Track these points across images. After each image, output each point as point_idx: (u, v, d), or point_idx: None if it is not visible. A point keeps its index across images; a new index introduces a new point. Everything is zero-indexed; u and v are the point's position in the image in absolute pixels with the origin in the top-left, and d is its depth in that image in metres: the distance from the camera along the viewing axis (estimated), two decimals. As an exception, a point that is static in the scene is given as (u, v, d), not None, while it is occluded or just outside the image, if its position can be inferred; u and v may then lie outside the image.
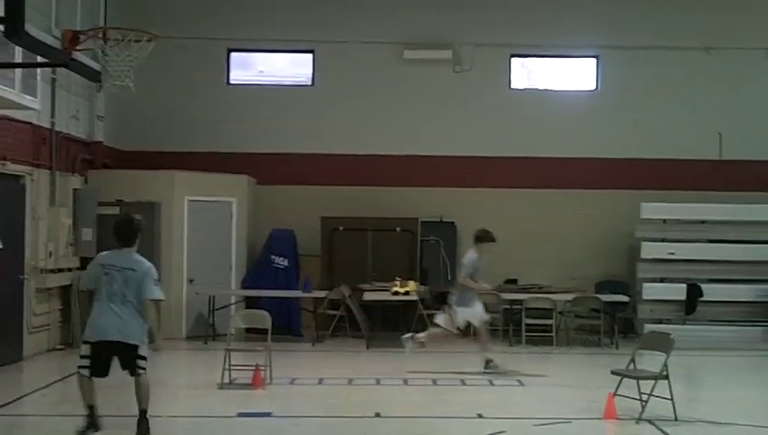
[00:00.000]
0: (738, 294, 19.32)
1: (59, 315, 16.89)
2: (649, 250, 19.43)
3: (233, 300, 18.87)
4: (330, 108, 21.08)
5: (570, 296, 18.49)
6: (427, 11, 21.08)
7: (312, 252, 19.81)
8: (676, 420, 11.03)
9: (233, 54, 21.50)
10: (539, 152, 21.00)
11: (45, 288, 16.17)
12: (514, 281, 20.22)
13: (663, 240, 19.56)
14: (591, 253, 20.54)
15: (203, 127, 20.86)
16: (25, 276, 15.45)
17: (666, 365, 11.23)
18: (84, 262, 17.22)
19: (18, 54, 12.79)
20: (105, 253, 10.11)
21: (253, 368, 13.09)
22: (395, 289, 17.81)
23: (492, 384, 13.81)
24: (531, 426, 10.95)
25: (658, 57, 20.98)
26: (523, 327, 18.04)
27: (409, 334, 15.18)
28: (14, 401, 12.10)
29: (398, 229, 19.80)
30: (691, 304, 19.03)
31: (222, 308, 18.34)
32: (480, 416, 11.41)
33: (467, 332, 15.35)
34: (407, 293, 17.78)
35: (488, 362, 14.77)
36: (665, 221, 19.64)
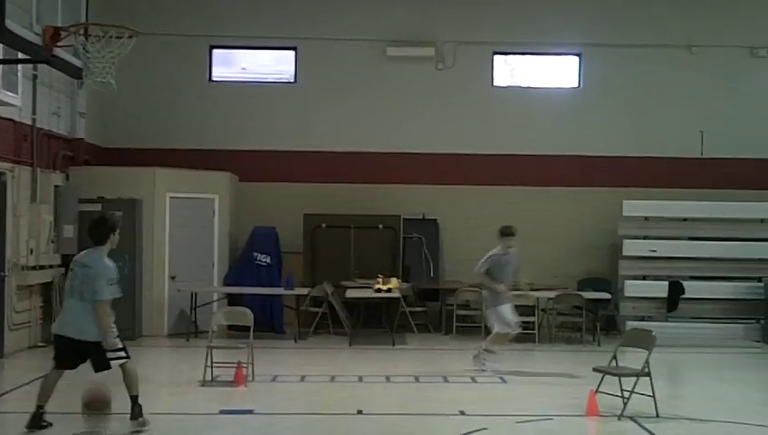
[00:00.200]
0: (720, 292, 19.39)
1: (40, 313, 16.80)
2: (631, 247, 19.48)
3: (215, 297, 18.82)
4: (312, 105, 21.06)
5: (552, 294, 18.52)
6: (409, 8, 21.09)
7: (295, 249, 19.79)
8: (657, 416, 11.06)
9: (215, 51, 21.44)
10: (521, 150, 21.04)
11: (26, 285, 16.09)
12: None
13: (645, 237, 19.62)
14: (574, 250, 20.60)
15: (185, 124, 20.82)
16: (6, 273, 15.35)
17: (647, 362, 11.27)
18: (65, 259, 17.19)
19: (-1, 51, 12.74)
20: (83, 251, 10.24)
21: (235, 365, 13.06)
22: (377, 286, 17.81)
23: (474, 381, 13.81)
24: (513, 423, 10.98)
25: (641, 55, 21.06)
26: (506, 324, 18.04)
27: (475, 352, 14.69)
28: (-5, 398, 12.06)
29: (380, 226, 19.81)
30: (673, 301, 19.08)
31: (204, 305, 18.28)
32: (462, 413, 11.41)
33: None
34: (389, 290, 17.77)
35: (480, 354, 14.54)
36: (647, 218, 19.68)
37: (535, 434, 10.58)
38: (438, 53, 21.08)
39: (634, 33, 20.99)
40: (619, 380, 11.35)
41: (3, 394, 12.44)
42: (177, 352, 17.21)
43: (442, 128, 21.13)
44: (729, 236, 19.52)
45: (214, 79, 21.40)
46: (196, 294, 18.19)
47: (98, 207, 16.89)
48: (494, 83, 21.51)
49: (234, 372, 13.03)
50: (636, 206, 19.44)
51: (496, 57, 21.56)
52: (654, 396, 11.16)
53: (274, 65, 21.79)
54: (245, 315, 13.59)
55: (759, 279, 19.33)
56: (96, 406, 9.77)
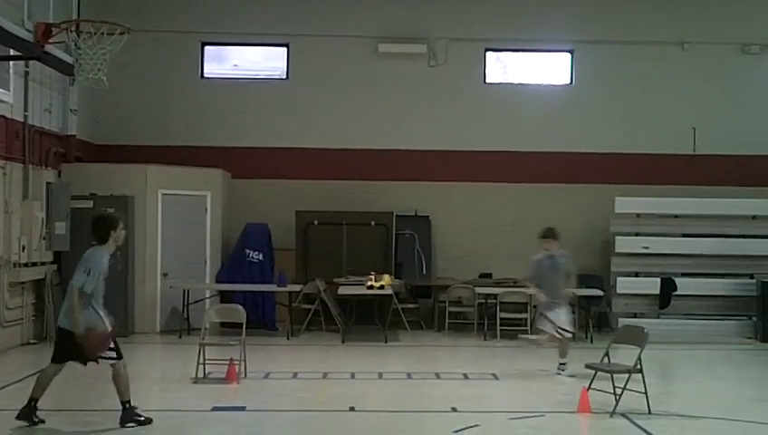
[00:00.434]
0: (712, 289, 19.46)
1: (32, 310, 16.80)
2: (623, 244, 19.51)
3: (207, 294, 18.79)
4: (304, 102, 21.04)
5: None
6: (401, 5, 21.09)
7: (287, 246, 19.78)
8: (649, 413, 11.07)
9: (207, 48, 21.41)
10: (513, 146, 21.05)
11: (18, 282, 16.07)
12: (489, 275, 20.23)
13: (637, 234, 19.65)
14: (566, 247, 20.39)
15: (177, 121, 20.79)
16: (-2, 270, 15.36)
17: (639, 359, 11.27)
18: (57, 256, 17.18)
19: (-10, 48, 12.71)
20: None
21: (227, 362, 13.05)
22: (370, 283, 17.79)
23: (466, 378, 13.81)
24: (505, 420, 10.98)
25: (633, 52, 21.08)
26: (498, 321, 18.03)
27: (556, 371, 14.05)
28: (-13, 395, 12.03)
29: (372, 223, 19.81)
30: (665, 297, 19.13)
31: (196, 302, 18.25)
32: (454, 410, 11.41)
33: (574, 335, 14.81)
34: (381, 287, 17.77)
35: (559, 367, 14.09)
36: (639, 215, 19.70)
37: (527, 431, 10.56)
38: (430, 50, 21.07)
39: (626, 30, 21.01)
40: (612, 376, 11.34)
41: (-5, 392, 12.41)
42: (169, 349, 17.17)
43: (434, 124, 21.12)
44: (721, 232, 19.56)
45: (206, 76, 21.37)
46: (188, 291, 18.16)
47: (90, 203, 16.92)
48: (487, 80, 21.51)
49: (226, 369, 13.01)
50: (628, 203, 19.46)
51: (488, 54, 21.56)
52: (646, 393, 11.16)
53: (266, 62, 21.77)
54: (238, 312, 13.57)
55: (751, 276, 19.36)
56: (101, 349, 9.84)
